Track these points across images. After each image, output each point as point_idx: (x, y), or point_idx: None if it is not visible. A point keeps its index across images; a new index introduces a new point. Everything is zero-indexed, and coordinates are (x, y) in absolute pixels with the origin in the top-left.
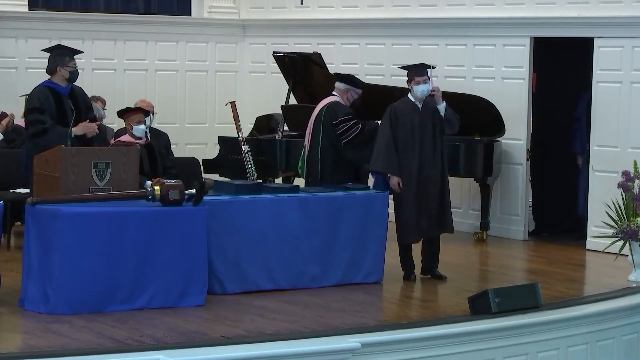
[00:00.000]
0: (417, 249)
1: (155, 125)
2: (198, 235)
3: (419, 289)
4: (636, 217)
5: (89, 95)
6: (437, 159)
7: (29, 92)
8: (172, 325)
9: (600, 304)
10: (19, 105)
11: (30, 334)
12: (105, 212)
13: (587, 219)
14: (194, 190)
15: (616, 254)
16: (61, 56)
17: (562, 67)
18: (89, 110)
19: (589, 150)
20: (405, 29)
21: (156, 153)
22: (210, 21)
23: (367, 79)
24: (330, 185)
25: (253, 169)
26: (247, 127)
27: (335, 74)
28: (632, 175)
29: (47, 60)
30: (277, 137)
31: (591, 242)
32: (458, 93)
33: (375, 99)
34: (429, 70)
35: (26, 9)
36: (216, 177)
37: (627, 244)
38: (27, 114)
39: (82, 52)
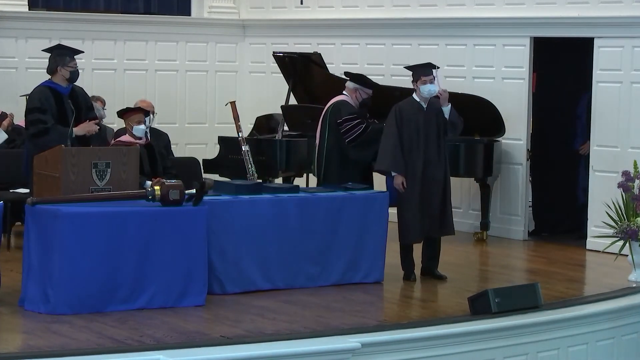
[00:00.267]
0: (417, 249)
1: (155, 125)
2: (198, 235)
3: (419, 289)
4: (636, 217)
5: (89, 95)
6: (441, 160)
7: (29, 92)
8: (172, 325)
9: (600, 304)
10: (19, 105)
11: (30, 334)
12: (105, 212)
13: (587, 219)
14: (194, 190)
15: (616, 254)
16: (61, 56)
17: (562, 67)
18: (89, 110)
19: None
20: (405, 29)
21: (156, 153)
22: (210, 21)
23: None
24: (331, 185)
25: (253, 169)
26: (247, 127)
27: (346, 72)
28: (632, 175)
29: (47, 60)
30: (277, 137)
31: (591, 242)
32: (458, 93)
33: (375, 99)
34: (434, 71)
35: (26, 9)
36: (216, 177)
37: (627, 244)
38: (27, 113)
39: (83, 52)
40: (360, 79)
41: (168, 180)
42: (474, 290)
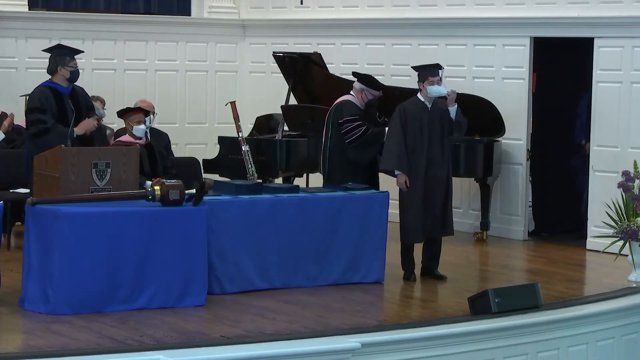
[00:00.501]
0: (417, 249)
1: (155, 125)
2: (198, 235)
3: (419, 289)
4: (636, 217)
5: (89, 95)
6: (445, 160)
7: (29, 92)
8: (172, 325)
9: (600, 304)
10: (19, 105)
11: (30, 334)
12: (105, 212)
13: (587, 219)
14: (194, 190)
15: (616, 254)
16: (61, 56)
17: (562, 67)
18: (90, 110)
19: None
20: (405, 29)
21: (156, 153)
22: (210, 21)
23: None
24: (332, 184)
25: (253, 169)
26: (247, 127)
27: (354, 73)
28: (632, 175)
29: (47, 60)
30: (277, 137)
31: (591, 242)
32: (458, 93)
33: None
34: (440, 72)
35: (26, 9)
36: (216, 177)
37: (627, 244)
38: (27, 113)
39: (83, 52)
40: (367, 80)
41: (168, 180)
42: (474, 290)
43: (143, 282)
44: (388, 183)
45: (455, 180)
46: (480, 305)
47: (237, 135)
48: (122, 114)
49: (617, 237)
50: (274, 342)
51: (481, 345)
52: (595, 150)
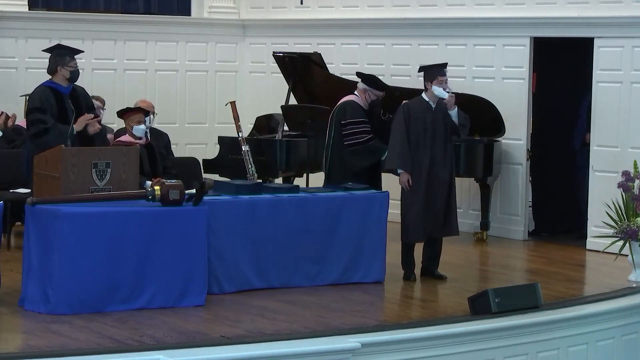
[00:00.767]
0: (417, 249)
1: (155, 125)
2: (198, 235)
3: (419, 289)
4: (636, 217)
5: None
6: (447, 160)
7: (29, 92)
8: (172, 325)
9: (600, 304)
10: (19, 105)
11: (30, 334)
12: (105, 212)
13: (587, 219)
14: (194, 190)
15: (616, 254)
16: (61, 56)
17: (562, 67)
18: (90, 110)
19: (588, 148)
20: (405, 29)
21: (156, 153)
22: (210, 21)
23: None
24: (332, 184)
25: (253, 169)
26: (247, 127)
27: (358, 73)
28: (632, 175)
29: (47, 60)
30: (277, 137)
31: (591, 242)
32: (458, 93)
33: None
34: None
35: (26, 9)
36: (216, 177)
37: (627, 244)
38: (28, 114)
39: (83, 52)
40: (371, 81)
41: (168, 180)
42: (474, 290)
43: (143, 282)
44: (388, 183)
45: (456, 180)
46: (480, 305)
47: (237, 135)
48: (122, 114)
49: (617, 237)
50: (274, 342)
51: (481, 345)
52: (595, 150)
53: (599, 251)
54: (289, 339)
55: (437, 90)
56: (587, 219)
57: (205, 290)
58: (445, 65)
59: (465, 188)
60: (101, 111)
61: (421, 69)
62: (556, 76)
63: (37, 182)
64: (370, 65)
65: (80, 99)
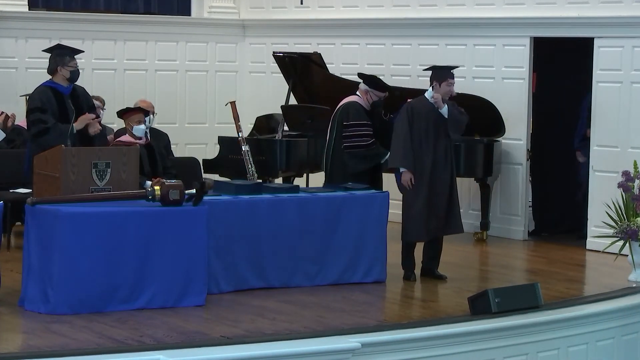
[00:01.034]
0: (417, 249)
1: (155, 125)
2: (198, 235)
3: (419, 289)
4: (636, 217)
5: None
6: (449, 160)
7: (29, 92)
8: (172, 325)
9: (600, 304)
10: (19, 105)
11: (30, 334)
12: (105, 212)
13: (587, 219)
14: (194, 190)
15: (616, 254)
16: (61, 56)
17: (562, 67)
18: (91, 110)
19: (588, 148)
20: (405, 29)
21: (156, 153)
22: (210, 21)
23: None
24: (332, 184)
25: (253, 169)
26: (247, 127)
27: (359, 74)
28: (632, 175)
29: (47, 60)
30: (277, 137)
31: (591, 242)
32: (458, 93)
33: None
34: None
35: (26, 9)
36: (216, 177)
37: (627, 244)
38: (28, 114)
39: (83, 52)
40: (372, 81)
41: (168, 180)
42: (474, 290)
43: (143, 282)
44: (389, 183)
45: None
46: (480, 305)
47: (237, 135)
48: (122, 114)
49: (617, 237)
50: (273, 342)
51: (481, 345)
52: (595, 150)
53: (599, 251)
54: (289, 339)
55: (429, 91)
56: (587, 219)
57: (205, 290)
58: (455, 67)
59: (465, 188)
60: (101, 111)
61: (432, 68)
62: (556, 76)
63: (37, 182)
64: (370, 65)
65: (80, 99)
